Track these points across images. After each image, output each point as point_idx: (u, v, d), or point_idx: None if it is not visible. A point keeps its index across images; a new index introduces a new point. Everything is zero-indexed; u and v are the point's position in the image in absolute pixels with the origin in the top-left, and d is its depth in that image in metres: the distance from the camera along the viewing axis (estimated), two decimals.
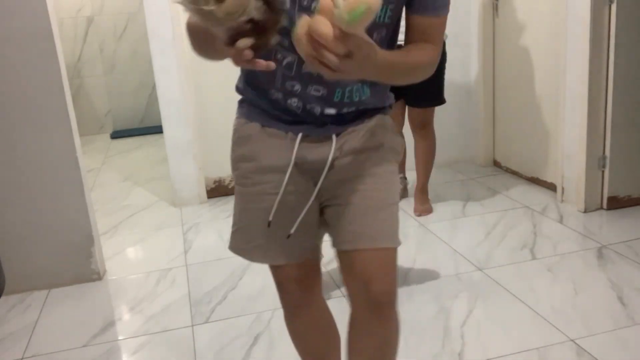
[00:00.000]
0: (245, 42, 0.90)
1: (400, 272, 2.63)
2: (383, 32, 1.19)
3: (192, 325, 2.35)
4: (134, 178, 4.67)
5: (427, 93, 3.12)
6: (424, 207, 3.34)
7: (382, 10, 1.14)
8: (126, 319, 2.48)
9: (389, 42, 1.22)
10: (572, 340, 2.05)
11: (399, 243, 1.26)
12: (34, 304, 2.66)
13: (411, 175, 3.57)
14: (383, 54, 1.04)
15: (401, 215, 1.33)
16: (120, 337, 2.35)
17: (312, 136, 1.24)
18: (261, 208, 1.27)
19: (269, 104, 1.25)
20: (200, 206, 3.80)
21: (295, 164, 1.24)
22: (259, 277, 2.65)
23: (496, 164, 4.18)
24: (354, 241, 1.24)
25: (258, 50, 0.92)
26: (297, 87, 1.20)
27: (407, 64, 1.16)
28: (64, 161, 2.71)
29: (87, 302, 2.67)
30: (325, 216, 1.31)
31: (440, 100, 3.21)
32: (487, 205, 3.44)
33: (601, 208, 3.24)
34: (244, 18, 0.88)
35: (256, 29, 0.90)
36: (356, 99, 1.23)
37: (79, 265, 2.82)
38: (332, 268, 2.55)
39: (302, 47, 0.94)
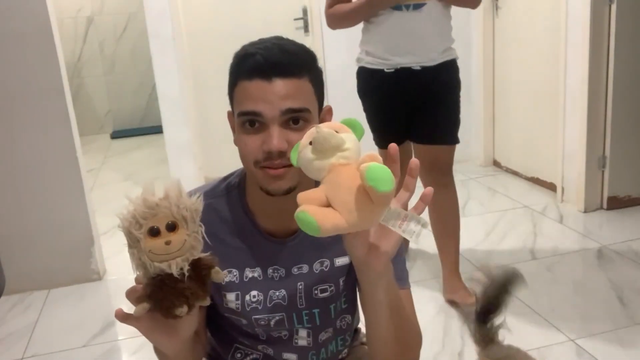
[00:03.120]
0: (143, 307, 0.82)
1: None
2: (347, 317, 1.15)
3: None
4: (134, 178, 4.67)
5: (446, 122, 2.33)
6: (462, 293, 2.33)
7: (339, 303, 1.11)
8: None
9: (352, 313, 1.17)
10: (572, 340, 2.05)
11: None
12: (34, 304, 2.66)
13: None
14: None
15: None
16: (120, 337, 2.35)
17: None
18: None
19: None
20: None
21: None
22: None
23: (496, 164, 4.18)
24: None
25: (162, 312, 0.84)
26: None
27: None
28: (64, 161, 2.71)
29: (87, 302, 2.67)
30: None
31: (457, 139, 2.38)
32: (487, 205, 3.44)
33: (601, 208, 3.24)
34: (173, 266, 0.81)
35: (175, 289, 0.82)
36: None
37: (79, 265, 2.82)
38: None
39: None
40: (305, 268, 1.07)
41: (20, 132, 2.63)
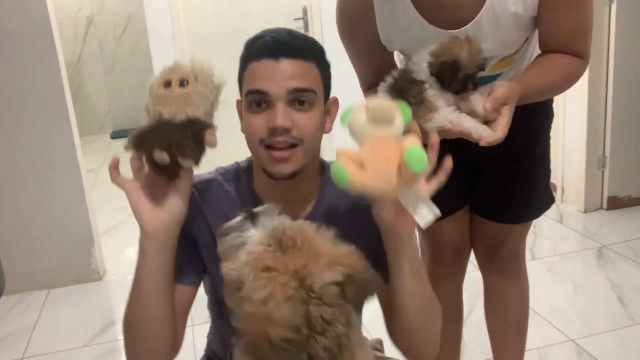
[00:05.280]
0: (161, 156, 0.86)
1: None
2: None
3: (192, 325, 2.34)
4: None
5: (525, 193, 1.49)
6: None
7: None
8: None
9: None
10: (572, 340, 2.05)
11: None
12: (34, 304, 2.66)
13: None
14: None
15: None
16: (120, 337, 2.35)
17: None
18: None
19: None
20: None
21: None
22: None
23: None
24: None
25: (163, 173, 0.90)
26: None
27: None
28: (64, 161, 2.71)
29: (87, 302, 2.67)
30: None
31: (550, 201, 1.58)
32: None
33: (601, 208, 3.24)
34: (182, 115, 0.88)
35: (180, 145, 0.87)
36: None
37: (79, 265, 2.82)
38: None
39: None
40: None
41: (20, 132, 2.63)
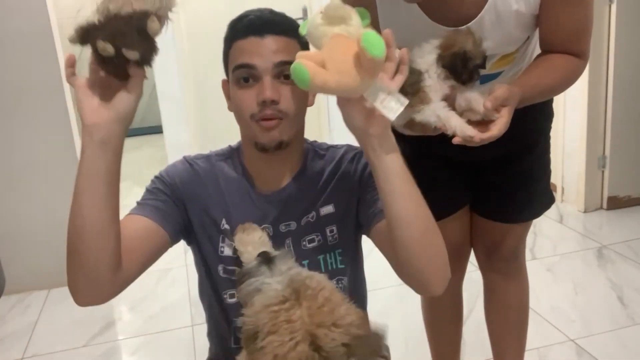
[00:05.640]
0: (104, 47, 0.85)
1: None
2: (344, 279, 1.14)
3: (192, 325, 2.35)
4: (133, 178, 4.65)
5: (525, 193, 1.50)
6: None
7: (330, 256, 1.13)
8: (126, 319, 2.48)
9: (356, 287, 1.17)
10: (572, 340, 2.05)
11: None
12: (34, 304, 2.66)
13: None
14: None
15: None
16: (120, 337, 2.35)
17: None
18: None
19: None
20: None
21: None
22: None
23: None
24: None
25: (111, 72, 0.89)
26: None
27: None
28: (64, 161, 2.70)
29: None
30: None
31: (549, 201, 1.59)
32: None
33: (601, 208, 3.24)
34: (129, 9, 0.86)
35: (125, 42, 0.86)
36: None
37: None
38: None
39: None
40: (293, 225, 1.12)
41: (20, 132, 2.62)
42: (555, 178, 3.47)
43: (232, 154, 1.18)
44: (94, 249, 0.90)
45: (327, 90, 0.85)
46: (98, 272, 0.91)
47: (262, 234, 0.94)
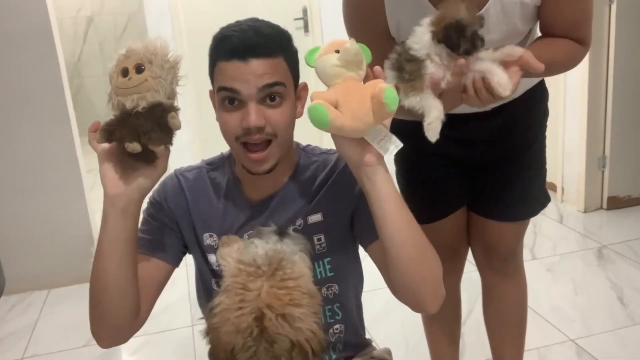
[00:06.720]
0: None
1: None
2: (334, 286, 1.14)
3: (192, 325, 2.35)
4: None
5: (522, 190, 1.50)
6: None
7: (319, 265, 1.12)
8: None
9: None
10: (572, 340, 2.05)
11: None
12: (34, 304, 2.66)
13: None
14: None
15: None
16: None
17: None
18: None
19: None
20: None
21: None
22: None
23: None
24: None
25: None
26: None
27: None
28: (64, 161, 2.71)
29: (87, 302, 2.66)
30: None
31: (545, 200, 1.58)
32: None
33: (601, 208, 3.24)
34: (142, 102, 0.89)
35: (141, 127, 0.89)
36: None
37: (79, 265, 2.82)
38: None
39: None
40: None
41: (20, 132, 2.63)
42: (555, 178, 3.47)
43: (223, 162, 1.18)
44: (118, 303, 0.98)
45: (339, 132, 0.92)
46: (121, 320, 1.00)
47: (240, 244, 0.93)
